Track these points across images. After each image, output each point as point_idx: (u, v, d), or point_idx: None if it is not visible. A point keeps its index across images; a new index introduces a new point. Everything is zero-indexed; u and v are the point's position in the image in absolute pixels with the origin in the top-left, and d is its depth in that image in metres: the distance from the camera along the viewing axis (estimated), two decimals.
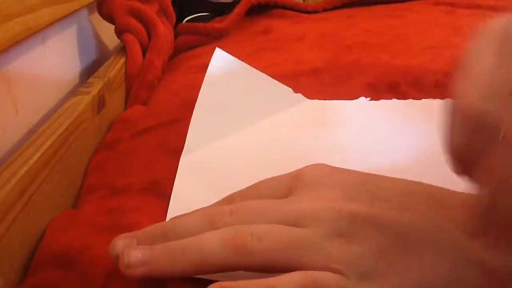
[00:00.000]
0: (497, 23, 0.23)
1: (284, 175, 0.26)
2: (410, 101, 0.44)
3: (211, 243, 0.22)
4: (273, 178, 0.27)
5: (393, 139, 0.37)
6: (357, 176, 0.25)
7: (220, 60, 0.39)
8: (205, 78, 0.38)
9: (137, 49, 0.62)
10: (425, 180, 0.25)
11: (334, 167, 0.26)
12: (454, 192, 0.25)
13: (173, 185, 0.35)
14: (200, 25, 0.80)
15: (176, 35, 0.79)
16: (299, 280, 0.21)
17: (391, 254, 0.22)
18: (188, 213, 0.26)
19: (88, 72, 0.62)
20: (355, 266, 0.21)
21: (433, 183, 0.25)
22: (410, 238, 0.22)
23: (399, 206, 0.23)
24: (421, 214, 0.23)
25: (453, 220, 0.23)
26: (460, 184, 0.23)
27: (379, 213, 0.23)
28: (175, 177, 0.36)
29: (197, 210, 0.26)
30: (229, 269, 0.22)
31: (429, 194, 0.24)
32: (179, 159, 0.39)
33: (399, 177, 0.26)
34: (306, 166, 0.26)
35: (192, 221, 0.25)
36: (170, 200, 0.33)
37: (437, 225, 0.23)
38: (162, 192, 0.34)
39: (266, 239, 0.22)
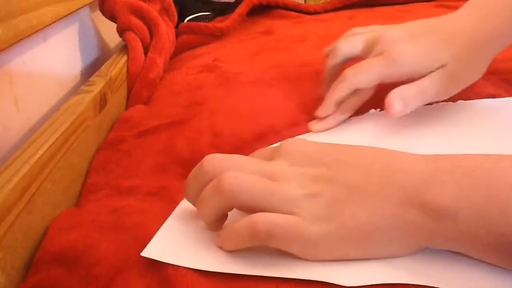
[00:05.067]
0: None
1: (271, 147, 0.32)
2: None
3: (207, 191, 0.28)
4: (265, 148, 0.33)
5: None
6: (324, 146, 0.30)
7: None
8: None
9: (139, 48, 0.62)
10: None
11: (309, 141, 0.31)
12: (408, 154, 0.28)
13: (180, 191, 0.34)
14: (202, 24, 0.80)
15: (177, 35, 0.78)
16: (262, 217, 0.26)
17: (342, 202, 0.26)
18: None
19: (90, 70, 0.62)
20: (311, 210, 0.26)
21: None
22: (358, 189, 0.27)
23: (355, 166, 0.28)
24: (373, 171, 0.27)
25: (402, 170, 0.27)
26: None
27: (335, 173, 0.28)
28: (181, 183, 0.36)
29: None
30: (221, 210, 0.28)
31: (383, 158, 0.28)
32: (184, 166, 0.39)
33: None
34: (286, 140, 0.31)
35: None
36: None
37: (386, 175, 0.27)
38: (170, 197, 0.34)
39: (249, 187, 0.27)
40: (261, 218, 0.26)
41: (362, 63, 0.40)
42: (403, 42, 0.38)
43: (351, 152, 0.29)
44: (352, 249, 0.26)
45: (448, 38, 0.38)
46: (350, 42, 0.44)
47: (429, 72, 0.38)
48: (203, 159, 0.29)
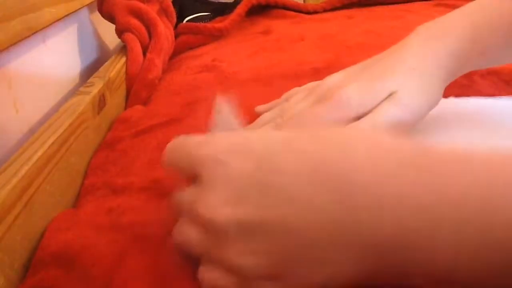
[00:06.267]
0: None
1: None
2: None
3: None
4: (187, 154, 0.27)
5: None
6: (252, 168, 0.23)
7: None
8: None
9: (137, 49, 0.62)
10: None
11: (230, 160, 0.24)
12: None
13: (173, 184, 0.35)
14: (201, 25, 0.80)
15: (176, 35, 0.79)
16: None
17: (291, 259, 0.21)
18: None
19: (89, 71, 0.62)
20: (255, 271, 0.22)
21: None
22: (312, 242, 0.21)
23: (304, 203, 0.21)
24: (325, 212, 0.21)
25: (362, 208, 0.21)
26: None
27: (272, 218, 0.22)
28: (175, 176, 0.36)
29: None
30: None
31: (337, 181, 0.21)
32: None
33: None
34: (206, 164, 0.25)
35: None
36: None
37: (342, 219, 0.21)
38: (163, 191, 0.34)
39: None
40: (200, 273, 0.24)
41: (305, 112, 0.36)
42: (345, 83, 0.35)
43: (273, 192, 0.22)
44: None
45: (393, 65, 0.35)
46: (293, 99, 0.40)
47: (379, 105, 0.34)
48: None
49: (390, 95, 0.33)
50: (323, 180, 0.21)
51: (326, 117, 0.34)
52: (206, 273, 0.24)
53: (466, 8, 0.37)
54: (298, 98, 0.39)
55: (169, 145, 0.28)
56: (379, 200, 0.20)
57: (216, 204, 0.23)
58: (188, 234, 0.25)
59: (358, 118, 0.33)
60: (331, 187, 0.21)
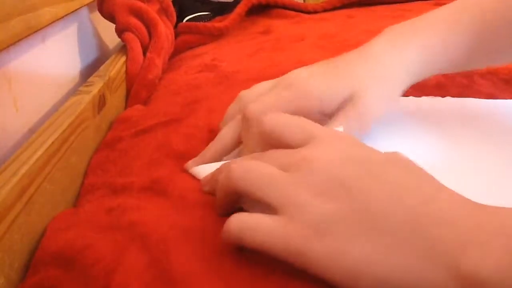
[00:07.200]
0: None
1: (310, 125, 0.29)
2: None
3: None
4: (299, 124, 0.29)
5: None
6: (362, 151, 0.26)
7: None
8: None
9: (137, 48, 0.62)
10: None
11: (348, 141, 0.27)
12: (450, 194, 0.23)
13: (173, 184, 0.35)
14: (201, 24, 0.80)
15: (176, 35, 0.79)
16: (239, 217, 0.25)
17: (349, 224, 0.22)
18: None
19: (89, 71, 0.62)
20: (307, 215, 0.23)
21: None
22: (376, 220, 0.22)
23: (382, 191, 0.23)
24: (402, 205, 0.22)
25: (437, 218, 0.21)
26: None
27: (361, 182, 0.23)
28: (175, 176, 0.36)
29: None
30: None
31: (418, 192, 0.23)
32: (179, 159, 0.39)
33: None
34: (321, 131, 0.28)
35: None
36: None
37: (416, 217, 0.21)
38: (163, 190, 0.34)
39: (251, 173, 0.26)
40: (233, 219, 0.25)
41: (267, 96, 0.35)
42: (311, 77, 0.36)
43: (381, 171, 0.24)
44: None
45: (357, 70, 0.36)
46: (256, 88, 0.39)
47: (339, 105, 0.35)
48: None
49: (352, 99, 0.34)
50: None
51: (290, 103, 0.34)
52: (235, 217, 0.25)
53: (439, 11, 0.38)
54: (260, 89, 0.38)
55: (272, 119, 0.29)
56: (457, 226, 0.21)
57: (324, 153, 0.25)
58: (266, 167, 0.25)
59: (321, 112, 0.34)
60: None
